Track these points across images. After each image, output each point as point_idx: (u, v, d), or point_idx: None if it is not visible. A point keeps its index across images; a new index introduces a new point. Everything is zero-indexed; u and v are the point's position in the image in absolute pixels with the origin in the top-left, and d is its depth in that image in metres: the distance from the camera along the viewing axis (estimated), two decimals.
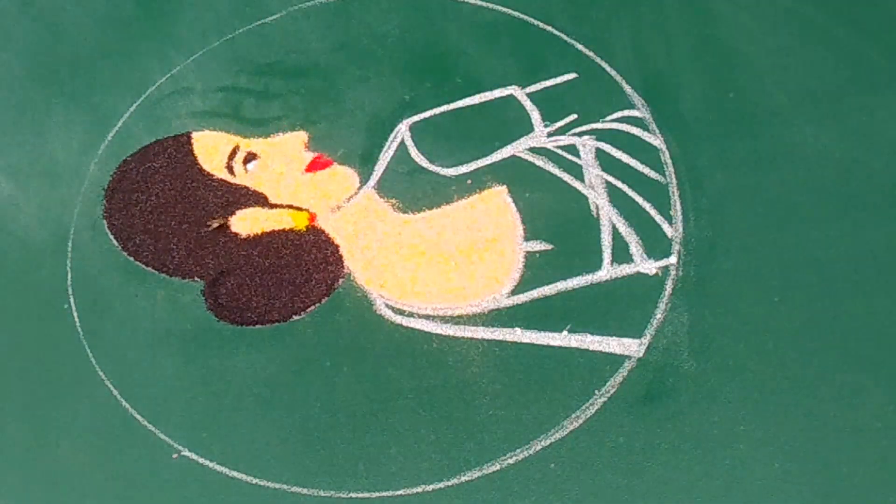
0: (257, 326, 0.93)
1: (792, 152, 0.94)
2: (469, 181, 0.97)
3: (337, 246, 0.96)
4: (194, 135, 1.05)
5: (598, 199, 0.94)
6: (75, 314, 0.96)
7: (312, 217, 0.98)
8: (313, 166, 1.01)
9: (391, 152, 1.01)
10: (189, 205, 1.00)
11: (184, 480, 0.86)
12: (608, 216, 0.93)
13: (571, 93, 1.01)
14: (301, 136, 1.03)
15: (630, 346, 0.86)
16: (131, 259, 0.98)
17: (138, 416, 0.90)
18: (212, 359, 0.91)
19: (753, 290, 0.87)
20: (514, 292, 0.90)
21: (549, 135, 0.99)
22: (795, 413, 0.81)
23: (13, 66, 1.15)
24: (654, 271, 0.89)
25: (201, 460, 0.87)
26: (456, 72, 1.04)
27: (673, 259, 0.90)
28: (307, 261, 0.95)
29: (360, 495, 0.83)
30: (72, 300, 0.97)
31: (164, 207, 1.01)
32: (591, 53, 1.03)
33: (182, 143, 1.05)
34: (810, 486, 0.78)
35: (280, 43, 1.10)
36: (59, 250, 1.00)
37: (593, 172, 0.96)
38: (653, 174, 0.95)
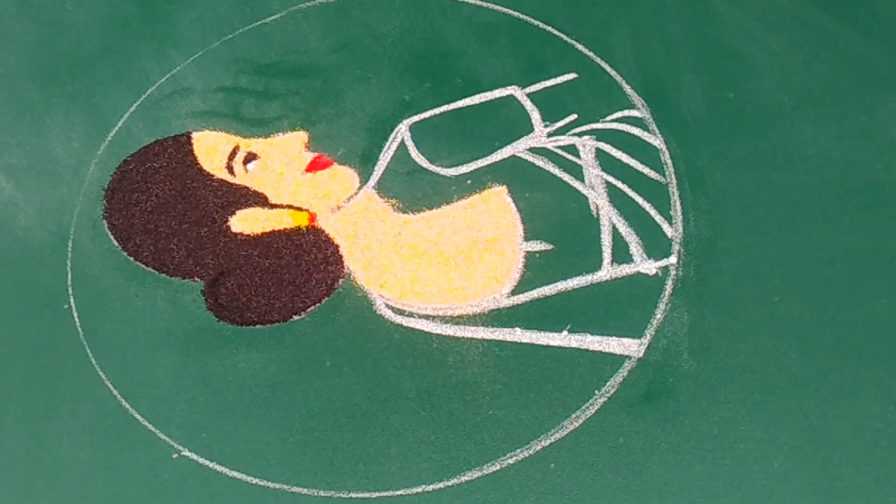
0: (257, 326, 0.93)
1: (792, 152, 0.94)
2: (469, 181, 0.97)
3: (337, 246, 0.96)
4: (194, 135, 1.05)
5: (598, 199, 0.94)
6: (75, 314, 0.96)
7: (312, 217, 0.98)
8: (313, 166, 1.01)
9: (391, 152, 1.01)
10: (189, 205, 1.00)
11: (184, 480, 0.86)
12: (608, 216, 0.93)
13: (571, 93, 1.01)
14: (301, 136, 1.03)
15: (630, 346, 0.86)
16: (131, 259, 0.98)
17: (138, 416, 0.90)
18: (212, 359, 0.91)
19: (753, 290, 0.87)
20: (514, 292, 0.90)
21: (549, 135, 0.99)
22: (795, 413, 0.81)
23: (13, 65, 1.15)
24: (654, 271, 0.89)
25: (201, 460, 0.87)
26: (456, 72, 1.04)
27: (673, 259, 0.90)
28: (307, 261, 0.95)
29: (360, 495, 0.83)
30: (72, 300, 0.97)
31: (164, 207, 1.01)
32: (591, 53, 1.03)
33: (182, 144, 1.05)
34: (810, 486, 0.78)
35: (280, 43, 1.10)
36: (59, 250, 1.00)
37: (593, 172, 0.95)
38: (653, 174, 0.95)
